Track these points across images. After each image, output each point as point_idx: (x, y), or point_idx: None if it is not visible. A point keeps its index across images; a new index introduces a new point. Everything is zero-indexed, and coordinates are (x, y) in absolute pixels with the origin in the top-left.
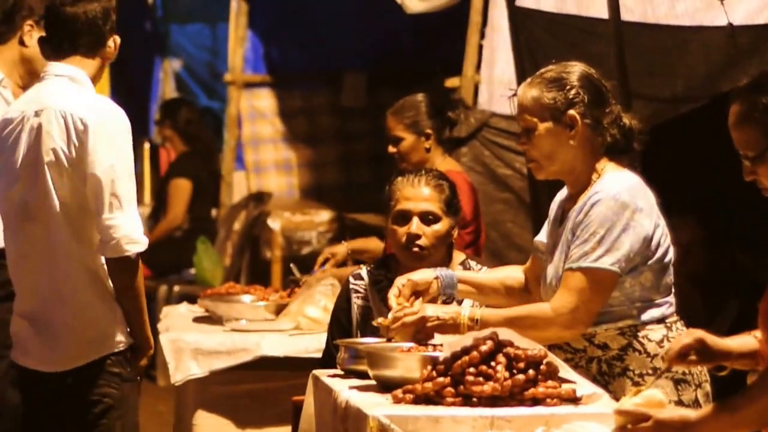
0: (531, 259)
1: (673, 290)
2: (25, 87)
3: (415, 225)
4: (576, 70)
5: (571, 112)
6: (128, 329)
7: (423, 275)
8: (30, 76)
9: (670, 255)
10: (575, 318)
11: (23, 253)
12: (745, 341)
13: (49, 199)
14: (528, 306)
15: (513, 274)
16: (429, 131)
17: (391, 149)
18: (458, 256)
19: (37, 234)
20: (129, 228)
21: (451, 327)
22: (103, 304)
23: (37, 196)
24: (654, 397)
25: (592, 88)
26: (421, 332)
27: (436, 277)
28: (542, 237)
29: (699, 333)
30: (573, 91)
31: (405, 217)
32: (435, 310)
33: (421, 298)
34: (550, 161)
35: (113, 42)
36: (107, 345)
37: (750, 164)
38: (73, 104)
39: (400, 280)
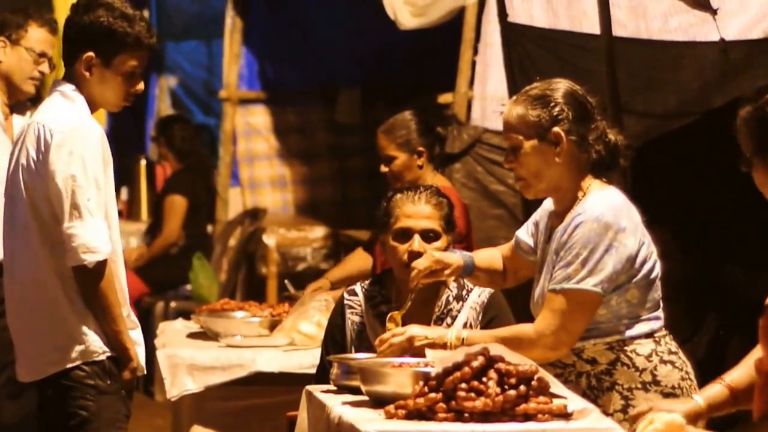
0: (511, 250)
1: (661, 305)
2: (11, 103)
3: (417, 243)
4: (561, 87)
5: (556, 129)
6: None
7: (454, 261)
8: (12, 91)
9: (657, 271)
10: (558, 340)
11: (10, 262)
12: (713, 396)
13: (24, 208)
14: (512, 327)
15: (497, 258)
16: (421, 149)
17: (384, 168)
18: None
19: (18, 242)
20: (87, 237)
21: (438, 347)
22: (75, 313)
23: (16, 204)
24: (674, 422)
25: (576, 105)
26: (408, 352)
27: (462, 266)
28: (524, 235)
29: (665, 419)
30: (557, 108)
31: (406, 235)
32: (422, 331)
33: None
34: (538, 179)
35: (87, 57)
36: (79, 354)
37: None
38: (49, 117)
39: (431, 257)
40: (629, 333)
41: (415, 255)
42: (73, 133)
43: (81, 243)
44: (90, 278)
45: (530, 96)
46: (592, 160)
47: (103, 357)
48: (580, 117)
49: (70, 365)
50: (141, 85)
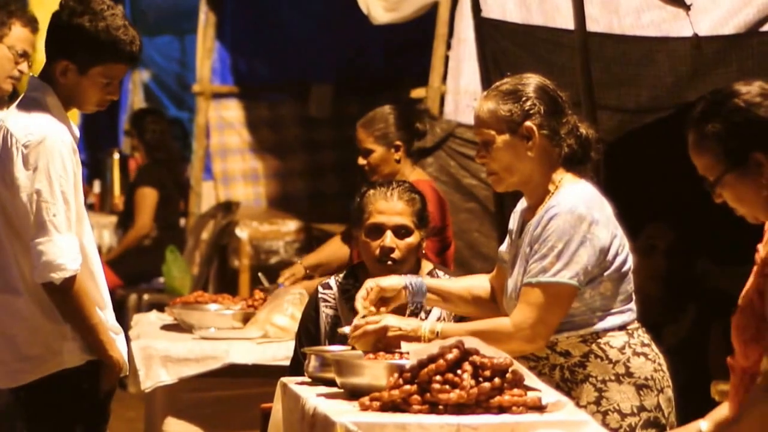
0: (496, 269)
1: (633, 297)
2: None
3: (389, 239)
4: (532, 81)
5: (528, 123)
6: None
7: (392, 282)
8: None
9: (629, 264)
10: (535, 333)
11: None
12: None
13: (1, 215)
14: (489, 321)
15: (480, 283)
16: (399, 143)
17: (362, 161)
18: (426, 265)
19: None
20: (53, 254)
21: (412, 339)
22: (50, 321)
23: None
24: None
25: (548, 99)
26: (381, 342)
27: (405, 287)
28: (504, 247)
29: None
30: (529, 103)
31: (378, 230)
32: (397, 321)
33: (384, 308)
34: (510, 173)
35: (63, 65)
36: (56, 362)
37: (712, 189)
38: (18, 126)
39: (369, 283)
40: (602, 325)
41: (387, 251)
42: (38, 146)
43: (47, 260)
44: (59, 294)
45: (501, 91)
46: (563, 153)
47: (81, 362)
48: (552, 111)
49: (45, 374)
50: (117, 95)
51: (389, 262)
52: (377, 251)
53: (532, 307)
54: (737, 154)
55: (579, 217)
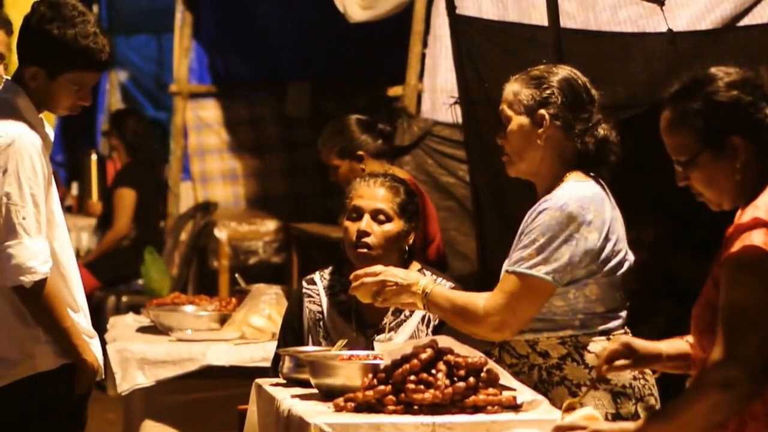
0: None
1: (624, 305)
2: None
3: (365, 222)
4: (559, 72)
5: (542, 111)
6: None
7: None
8: None
9: (623, 269)
10: (503, 321)
11: None
12: (675, 345)
13: None
14: (468, 296)
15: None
16: (360, 153)
17: (333, 178)
18: (414, 265)
19: None
20: (23, 258)
21: (407, 293)
22: (24, 325)
23: None
24: (590, 414)
25: (570, 93)
26: (380, 293)
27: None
28: None
29: (625, 338)
30: (549, 91)
31: (357, 214)
32: (396, 273)
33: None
34: (519, 158)
35: (32, 71)
36: (30, 366)
37: (682, 169)
38: None
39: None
40: (583, 329)
41: (362, 234)
42: (7, 149)
43: (17, 263)
44: (30, 298)
45: (529, 76)
46: (578, 151)
47: (55, 366)
48: (571, 105)
49: (18, 378)
50: (88, 101)
51: (364, 249)
52: (354, 235)
53: (504, 294)
54: (716, 134)
55: (569, 216)
